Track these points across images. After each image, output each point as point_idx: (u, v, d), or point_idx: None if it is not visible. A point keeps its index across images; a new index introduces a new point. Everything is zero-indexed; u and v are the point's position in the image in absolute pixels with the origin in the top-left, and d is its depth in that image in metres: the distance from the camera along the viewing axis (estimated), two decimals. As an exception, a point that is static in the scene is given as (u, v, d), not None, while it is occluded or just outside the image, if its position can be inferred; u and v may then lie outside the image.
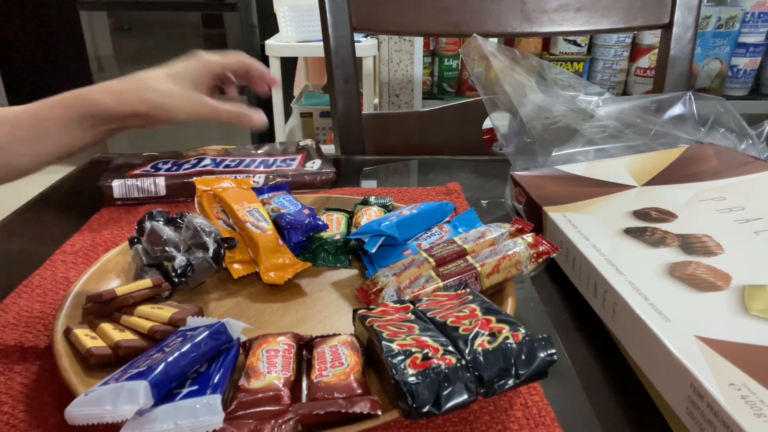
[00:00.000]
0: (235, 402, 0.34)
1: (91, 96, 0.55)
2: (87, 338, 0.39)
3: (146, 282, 0.44)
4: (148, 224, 0.50)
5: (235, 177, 0.64)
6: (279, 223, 0.53)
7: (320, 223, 0.53)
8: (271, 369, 0.36)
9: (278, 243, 0.50)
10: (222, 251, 0.50)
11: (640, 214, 0.51)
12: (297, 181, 0.67)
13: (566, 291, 0.50)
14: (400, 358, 0.32)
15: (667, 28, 0.93)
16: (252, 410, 0.33)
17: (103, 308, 0.42)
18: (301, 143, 0.78)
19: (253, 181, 0.65)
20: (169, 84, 0.57)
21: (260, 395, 0.34)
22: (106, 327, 0.40)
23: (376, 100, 2.09)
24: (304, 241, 0.53)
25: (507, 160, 0.70)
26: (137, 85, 0.56)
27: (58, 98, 0.54)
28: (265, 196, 0.59)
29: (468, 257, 0.46)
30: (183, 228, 0.50)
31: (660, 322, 0.36)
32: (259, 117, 0.61)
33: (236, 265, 0.50)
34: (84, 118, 0.54)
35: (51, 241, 0.57)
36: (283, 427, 0.32)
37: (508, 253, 0.44)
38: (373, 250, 0.49)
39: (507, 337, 0.33)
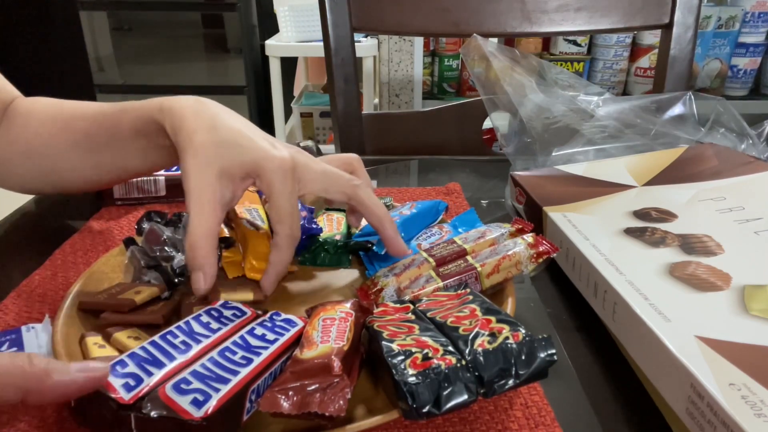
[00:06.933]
0: (287, 372, 0.33)
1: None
2: (95, 347, 0.38)
3: (153, 290, 0.44)
4: (146, 225, 0.50)
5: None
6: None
7: (314, 227, 0.52)
8: (324, 338, 0.35)
9: (269, 240, 0.50)
10: (219, 251, 0.50)
11: (640, 214, 0.51)
12: (297, 181, 0.67)
13: (566, 291, 0.50)
14: (400, 358, 0.32)
15: (667, 28, 0.93)
16: (302, 381, 0.33)
17: (122, 318, 0.42)
18: (302, 144, 0.78)
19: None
20: None
21: (310, 365, 0.33)
22: (121, 336, 0.40)
23: (376, 100, 2.09)
24: (302, 240, 0.53)
25: (507, 160, 0.70)
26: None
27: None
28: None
29: (468, 257, 0.46)
30: (180, 228, 0.50)
31: (660, 322, 0.36)
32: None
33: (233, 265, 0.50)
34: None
35: (51, 241, 0.57)
36: (333, 398, 0.31)
37: (508, 253, 0.44)
38: (383, 252, 0.49)
39: (507, 337, 0.33)
